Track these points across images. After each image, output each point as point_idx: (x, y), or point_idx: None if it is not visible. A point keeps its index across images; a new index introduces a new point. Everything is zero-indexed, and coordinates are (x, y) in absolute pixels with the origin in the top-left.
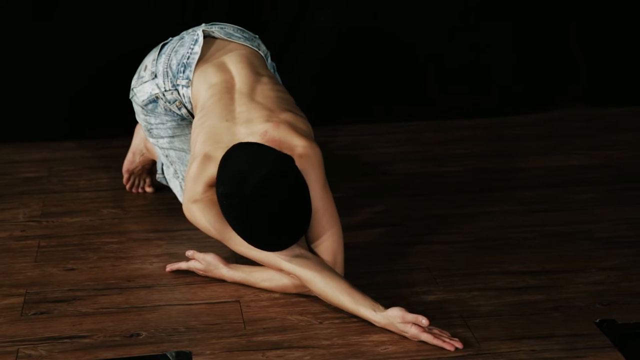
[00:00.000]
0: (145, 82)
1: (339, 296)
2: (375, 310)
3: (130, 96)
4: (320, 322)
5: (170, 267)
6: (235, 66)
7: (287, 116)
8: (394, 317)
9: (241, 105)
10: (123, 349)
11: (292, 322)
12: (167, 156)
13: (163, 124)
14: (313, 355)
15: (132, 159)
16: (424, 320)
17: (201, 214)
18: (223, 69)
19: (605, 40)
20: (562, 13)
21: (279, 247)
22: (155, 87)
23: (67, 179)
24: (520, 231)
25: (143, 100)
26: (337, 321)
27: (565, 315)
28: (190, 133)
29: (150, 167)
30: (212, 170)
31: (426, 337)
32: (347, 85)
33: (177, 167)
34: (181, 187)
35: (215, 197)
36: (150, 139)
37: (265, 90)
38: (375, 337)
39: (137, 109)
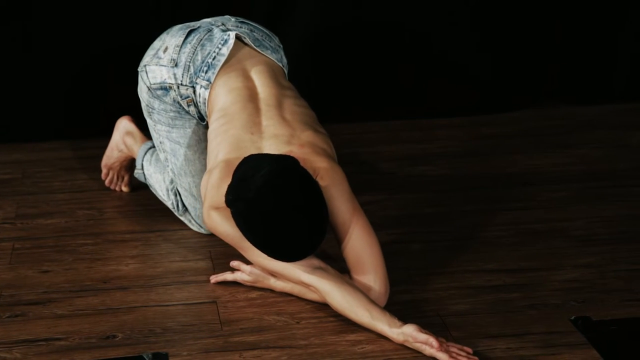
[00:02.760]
0: (162, 65)
1: (356, 310)
2: (391, 326)
3: (140, 69)
4: (297, 322)
5: (215, 278)
6: (259, 76)
7: (309, 135)
8: (408, 335)
9: (268, 119)
10: (99, 350)
11: (269, 322)
12: (161, 143)
13: (166, 112)
14: (290, 355)
15: (110, 155)
16: (434, 343)
17: (221, 221)
18: (246, 76)
19: (579, 38)
20: (538, 12)
21: (294, 254)
22: (172, 76)
23: (41, 181)
24: (496, 230)
25: (154, 83)
26: (314, 321)
27: (541, 312)
28: (189, 127)
29: (128, 164)
30: None
31: (442, 356)
32: (323, 85)
33: (168, 156)
34: (164, 181)
35: None
36: (148, 119)
37: (291, 105)
38: (352, 337)
39: (143, 86)
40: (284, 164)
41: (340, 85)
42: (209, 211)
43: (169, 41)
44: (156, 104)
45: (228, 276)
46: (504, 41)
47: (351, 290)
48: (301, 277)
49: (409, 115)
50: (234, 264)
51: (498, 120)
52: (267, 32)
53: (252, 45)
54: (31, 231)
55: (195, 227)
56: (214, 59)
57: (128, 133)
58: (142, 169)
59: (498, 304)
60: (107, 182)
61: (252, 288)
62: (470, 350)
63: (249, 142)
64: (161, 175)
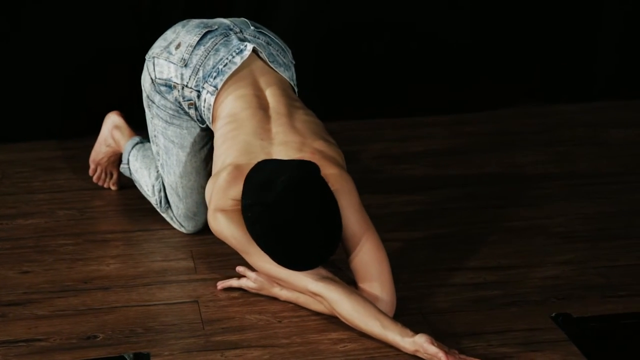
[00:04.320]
0: (172, 63)
1: (366, 321)
2: (403, 336)
3: (148, 58)
4: (279, 321)
5: (222, 285)
6: (269, 88)
7: (320, 144)
8: (419, 345)
9: (278, 126)
10: (80, 351)
11: (251, 322)
12: (155, 137)
13: (165, 109)
14: (272, 354)
15: (98, 150)
16: (442, 358)
17: (227, 224)
18: (256, 87)
19: (559, 37)
20: (518, 12)
21: (307, 263)
22: (179, 76)
23: (21, 181)
24: (477, 227)
25: (159, 78)
26: (295, 320)
27: (522, 309)
28: (186, 128)
29: (116, 160)
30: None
31: None
32: (303, 83)
33: (160, 152)
34: (149, 176)
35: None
36: (146, 110)
37: (302, 115)
38: (335, 335)
39: (147, 77)
40: (307, 169)
41: (321, 83)
42: (215, 213)
43: (183, 37)
44: (157, 98)
45: (234, 282)
46: (485, 40)
47: (360, 299)
48: (308, 285)
49: (391, 114)
50: (240, 269)
51: (479, 119)
52: (282, 45)
53: (267, 59)
54: (11, 232)
55: (176, 225)
56: (225, 65)
57: (116, 127)
58: (128, 163)
59: (479, 302)
60: (94, 179)
61: (233, 288)
62: None
63: (258, 148)
64: (147, 170)
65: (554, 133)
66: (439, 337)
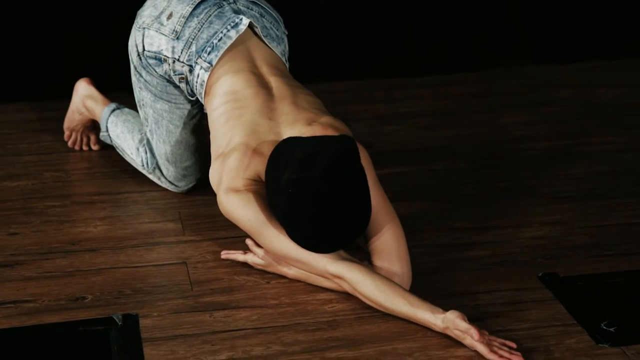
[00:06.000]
0: (163, 34)
1: (392, 299)
2: (434, 313)
3: (137, 28)
4: (268, 282)
5: (226, 255)
6: (266, 67)
7: (328, 119)
8: (449, 321)
9: (284, 106)
10: (68, 312)
11: (239, 283)
12: (143, 105)
13: (153, 84)
14: (260, 315)
15: (71, 117)
16: (474, 334)
17: (241, 204)
18: (252, 64)
19: None
20: None
21: (338, 242)
22: (170, 49)
23: (8, 143)
24: (465, 188)
25: (148, 50)
26: (284, 281)
27: (509, 269)
28: (174, 102)
29: (91, 125)
30: (259, 166)
31: (482, 348)
32: (291, 44)
33: (149, 121)
34: (132, 139)
35: (259, 188)
36: (134, 77)
37: (304, 94)
38: (323, 296)
39: (134, 48)
40: (349, 144)
41: (308, 45)
42: (227, 194)
43: (175, 7)
44: (144, 73)
45: (239, 257)
46: (472, 1)
47: (384, 279)
48: (327, 267)
49: (378, 75)
50: (249, 242)
51: (467, 80)
52: (275, 16)
53: (261, 34)
54: None
55: (164, 184)
56: (219, 40)
57: (88, 96)
58: (107, 131)
59: (467, 262)
60: (70, 144)
61: (222, 249)
62: (513, 344)
63: (266, 127)
64: (130, 134)
65: (540, 94)
66: (427, 298)
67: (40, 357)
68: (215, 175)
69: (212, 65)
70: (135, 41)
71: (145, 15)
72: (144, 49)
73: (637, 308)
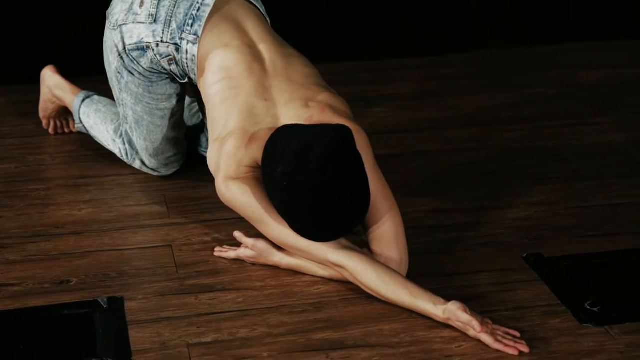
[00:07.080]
0: (140, 22)
1: (394, 289)
2: (435, 304)
3: (112, 27)
4: (253, 264)
5: (219, 253)
6: (254, 30)
7: (326, 97)
8: (451, 313)
9: (279, 82)
10: (53, 295)
11: (225, 265)
12: (123, 105)
13: (134, 86)
14: (246, 297)
15: (44, 107)
16: (476, 326)
17: (241, 192)
18: (240, 30)
19: None
20: None
21: (337, 231)
22: (151, 34)
23: None
24: (450, 169)
25: (130, 44)
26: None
27: (494, 250)
28: (154, 103)
29: (66, 110)
30: (256, 152)
31: (486, 338)
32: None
33: (129, 118)
34: (107, 131)
35: (257, 175)
36: (115, 81)
37: (299, 65)
38: (308, 278)
39: (114, 48)
40: (344, 134)
41: (295, 26)
42: (226, 182)
43: None
44: (125, 74)
45: (231, 254)
46: None
47: (385, 268)
48: (328, 255)
49: (364, 57)
50: (237, 234)
51: (453, 61)
52: None
53: None
54: None
55: (146, 171)
56: (198, 10)
57: (55, 86)
58: (81, 122)
59: (452, 243)
60: (50, 130)
61: (207, 231)
62: (517, 333)
63: (263, 110)
64: (103, 125)
65: (526, 75)
66: (413, 279)
67: (25, 341)
68: (212, 159)
69: (198, 36)
70: (114, 41)
71: (116, 12)
72: (124, 46)
73: (620, 288)
